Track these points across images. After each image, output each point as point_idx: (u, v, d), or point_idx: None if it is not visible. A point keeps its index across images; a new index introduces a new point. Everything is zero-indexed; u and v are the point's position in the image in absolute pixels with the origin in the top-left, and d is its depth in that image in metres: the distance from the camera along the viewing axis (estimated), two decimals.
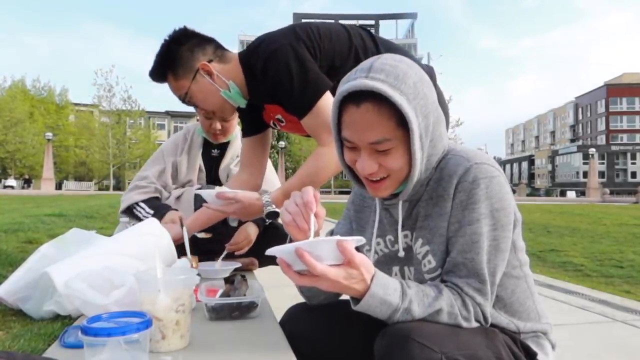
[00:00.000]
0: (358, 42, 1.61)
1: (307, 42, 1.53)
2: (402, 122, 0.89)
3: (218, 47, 1.62)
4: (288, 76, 1.48)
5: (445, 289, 0.92)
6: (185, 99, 1.62)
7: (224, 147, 2.31)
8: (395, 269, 1.06)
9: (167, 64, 1.58)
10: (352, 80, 0.91)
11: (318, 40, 1.55)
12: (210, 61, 1.58)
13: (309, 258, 0.80)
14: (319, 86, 1.51)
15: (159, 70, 1.60)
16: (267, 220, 1.65)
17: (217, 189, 1.52)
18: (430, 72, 1.68)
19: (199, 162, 2.27)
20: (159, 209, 2.07)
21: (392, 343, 0.86)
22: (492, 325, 0.96)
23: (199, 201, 2.13)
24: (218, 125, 2.17)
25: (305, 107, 1.52)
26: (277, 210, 1.48)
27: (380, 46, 1.64)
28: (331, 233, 1.22)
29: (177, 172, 2.24)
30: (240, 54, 1.64)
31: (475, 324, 0.92)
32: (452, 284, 0.93)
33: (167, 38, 1.58)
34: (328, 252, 0.82)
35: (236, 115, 2.15)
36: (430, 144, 0.94)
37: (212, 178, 2.27)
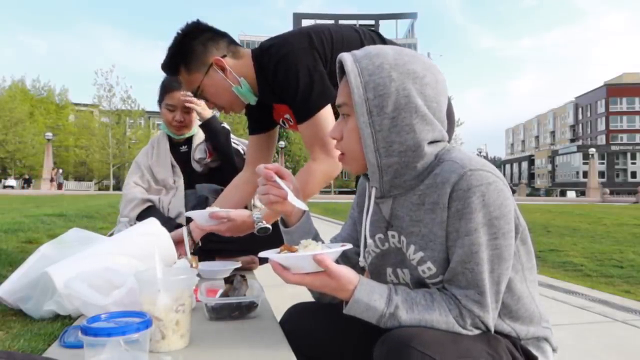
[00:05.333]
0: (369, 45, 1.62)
1: (319, 49, 1.54)
2: None
3: (231, 43, 1.63)
4: (294, 82, 1.50)
5: (440, 298, 0.91)
6: (197, 92, 1.62)
7: (189, 142, 2.39)
8: (389, 270, 1.05)
9: (179, 58, 1.58)
10: None
11: (331, 46, 1.57)
12: (223, 56, 1.58)
13: (280, 269, 0.90)
14: (321, 98, 1.53)
15: (171, 64, 1.60)
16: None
17: (209, 209, 1.54)
18: None
19: (170, 158, 2.36)
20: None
21: (392, 351, 0.85)
22: (495, 331, 0.94)
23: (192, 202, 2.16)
24: (179, 117, 2.27)
25: (304, 115, 1.55)
26: (268, 225, 1.50)
27: None
28: (335, 239, 1.21)
29: (153, 173, 2.34)
30: (254, 52, 1.64)
31: (476, 331, 0.91)
32: (451, 295, 0.92)
33: (179, 31, 1.57)
34: (307, 265, 0.90)
35: (199, 108, 2.24)
36: (393, 129, 0.93)
37: (189, 170, 2.35)
